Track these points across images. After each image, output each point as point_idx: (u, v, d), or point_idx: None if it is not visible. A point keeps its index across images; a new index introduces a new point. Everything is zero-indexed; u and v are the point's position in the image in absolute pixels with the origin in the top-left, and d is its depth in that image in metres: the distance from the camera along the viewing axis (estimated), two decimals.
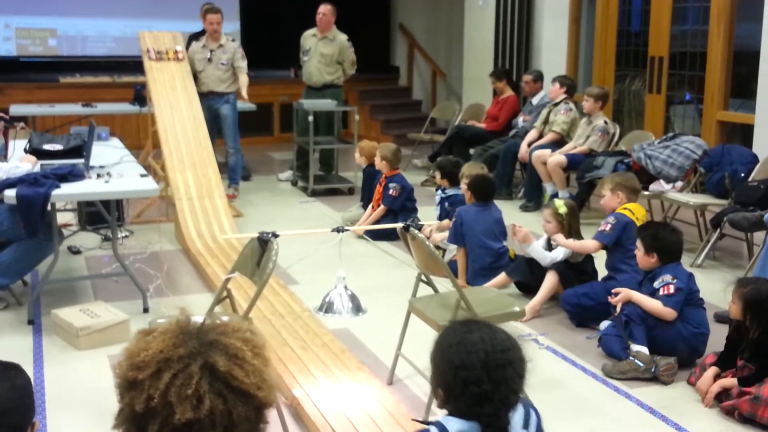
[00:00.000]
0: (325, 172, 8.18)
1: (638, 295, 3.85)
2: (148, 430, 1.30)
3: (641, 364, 3.70)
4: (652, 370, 3.68)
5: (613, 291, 3.96)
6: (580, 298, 4.36)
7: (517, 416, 1.79)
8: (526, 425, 1.80)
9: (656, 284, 3.84)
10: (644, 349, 3.74)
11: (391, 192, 6.16)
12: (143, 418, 1.30)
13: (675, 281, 3.81)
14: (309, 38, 7.98)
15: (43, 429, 3.19)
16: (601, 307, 4.22)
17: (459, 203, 5.59)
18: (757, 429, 3.25)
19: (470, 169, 5.42)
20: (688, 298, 3.83)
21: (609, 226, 4.39)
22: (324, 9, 7.86)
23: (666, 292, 3.80)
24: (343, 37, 7.96)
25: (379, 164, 6.30)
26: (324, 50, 7.90)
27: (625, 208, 4.51)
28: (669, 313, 3.77)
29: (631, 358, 3.74)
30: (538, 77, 7.89)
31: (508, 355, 1.75)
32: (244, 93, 7.37)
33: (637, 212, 4.50)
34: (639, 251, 3.95)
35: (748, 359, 3.42)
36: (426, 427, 1.77)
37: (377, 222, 6.06)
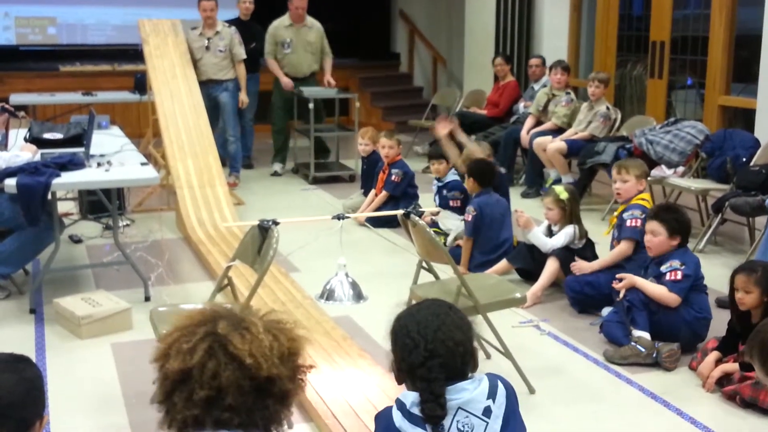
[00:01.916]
0: (323, 159, 8.14)
1: (642, 280, 3.85)
2: (155, 382, 1.43)
3: (643, 350, 3.70)
4: (654, 355, 3.68)
5: (617, 276, 3.96)
6: (584, 287, 4.34)
7: (480, 388, 1.83)
8: (491, 396, 1.83)
9: (663, 268, 3.83)
10: (646, 335, 3.74)
11: (393, 178, 6.16)
12: (157, 373, 1.43)
13: (683, 267, 3.79)
14: (284, 30, 7.78)
15: (48, 419, 3.20)
16: (603, 296, 4.21)
17: (457, 188, 5.60)
18: (758, 413, 3.25)
19: (473, 150, 5.43)
20: (693, 284, 3.83)
21: (638, 221, 4.27)
22: (303, 1, 7.71)
23: (673, 277, 3.79)
24: (318, 23, 7.91)
25: (388, 152, 6.25)
26: (309, 38, 7.82)
27: (642, 199, 4.45)
28: (673, 299, 3.77)
29: (632, 343, 3.74)
30: (545, 61, 7.86)
31: (440, 313, 1.87)
32: (243, 95, 7.42)
33: (650, 202, 4.49)
34: (659, 236, 3.86)
35: None
36: (389, 405, 1.87)
37: (379, 209, 6.05)
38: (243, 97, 7.43)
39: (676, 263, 3.81)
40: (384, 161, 6.29)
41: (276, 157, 8.10)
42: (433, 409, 1.76)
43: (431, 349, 1.80)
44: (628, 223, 4.33)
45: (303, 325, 1.52)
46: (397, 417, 1.80)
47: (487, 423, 1.80)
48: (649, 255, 3.98)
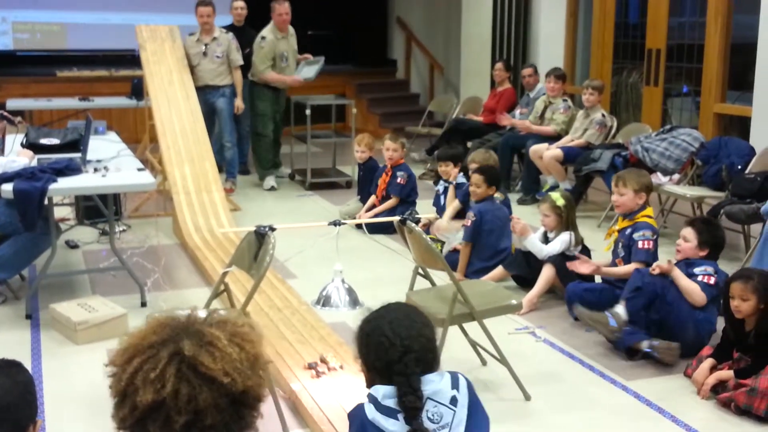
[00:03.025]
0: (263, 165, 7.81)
1: (679, 272, 3.86)
2: (120, 414, 1.33)
3: (614, 324, 3.77)
4: (647, 351, 3.73)
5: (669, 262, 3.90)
6: (587, 291, 4.34)
7: (444, 380, 1.93)
8: (455, 387, 1.93)
9: (697, 270, 3.89)
10: (624, 316, 3.79)
11: (399, 180, 6.19)
12: (120, 403, 1.34)
13: (716, 275, 3.87)
14: (279, 42, 7.51)
15: (42, 423, 3.19)
16: (602, 306, 4.21)
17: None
18: (753, 420, 3.25)
19: (479, 155, 5.47)
20: (715, 295, 3.87)
21: (651, 243, 4.23)
22: (287, 8, 7.45)
23: (706, 280, 3.85)
24: (292, 30, 7.71)
25: (392, 155, 6.27)
26: (294, 46, 7.72)
27: (647, 216, 4.34)
28: (702, 297, 3.81)
29: (607, 313, 3.78)
30: (536, 70, 7.93)
31: (409, 313, 1.99)
32: (239, 101, 7.39)
33: (653, 219, 4.42)
34: (689, 242, 3.96)
35: (744, 351, 3.43)
36: (360, 402, 1.93)
37: (385, 213, 6.07)
38: (239, 103, 7.43)
39: (710, 269, 3.89)
40: (387, 164, 6.32)
41: (267, 171, 7.78)
42: (413, 402, 1.85)
43: (407, 345, 1.91)
44: (640, 245, 4.22)
45: (248, 322, 1.47)
46: (370, 410, 1.88)
47: (455, 411, 1.90)
48: (676, 258, 4.02)
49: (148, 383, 1.30)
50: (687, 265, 3.95)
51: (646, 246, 4.21)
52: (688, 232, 4.00)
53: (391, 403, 1.87)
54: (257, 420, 1.40)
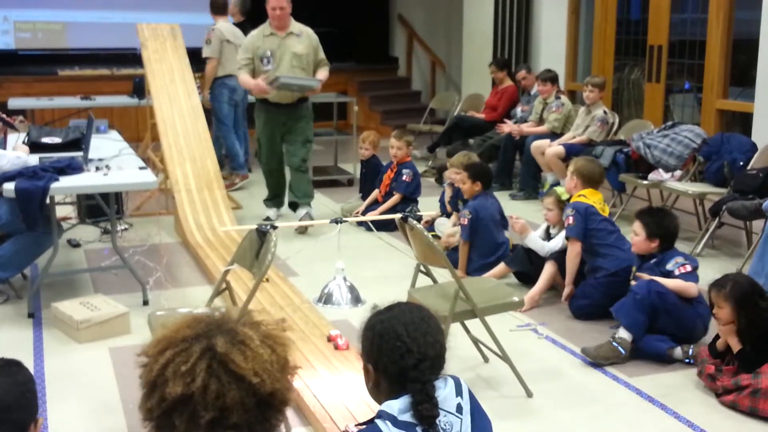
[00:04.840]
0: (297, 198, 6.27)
1: (658, 279, 3.83)
2: (148, 405, 1.36)
3: (623, 351, 3.74)
4: (688, 361, 3.72)
5: (637, 277, 3.94)
6: (579, 301, 4.37)
7: (449, 387, 1.86)
8: (459, 394, 1.87)
9: (669, 266, 3.87)
10: (628, 337, 3.76)
11: (404, 178, 6.20)
12: (149, 394, 1.36)
13: (689, 261, 3.89)
14: (265, 40, 5.95)
15: (44, 421, 3.20)
16: (599, 306, 4.25)
17: None
18: (758, 419, 3.24)
19: (462, 158, 5.46)
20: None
21: (571, 218, 4.39)
22: (281, 1, 5.88)
23: (684, 270, 3.85)
24: (309, 30, 6.11)
25: (397, 153, 6.28)
26: (297, 49, 5.94)
27: (579, 195, 4.51)
28: (693, 286, 3.82)
29: (614, 343, 3.76)
30: (530, 70, 7.99)
31: (424, 316, 1.90)
32: (204, 95, 7.10)
33: (591, 196, 4.49)
34: (638, 236, 3.95)
35: (738, 357, 3.40)
36: (371, 422, 1.82)
37: (389, 210, 6.07)
38: (204, 96, 7.26)
39: (681, 259, 3.89)
40: (393, 161, 6.33)
41: (270, 201, 6.43)
42: (430, 410, 1.77)
43: (423, 352, 1.83)
44: (565, 222, 4.46)
45: (286, 326, 1.48)
46: (387, 428, 1.77)
47: (461, 419, 1.83)
48: (633, 250, 4.07)
49: (179, 376, 1.32)
50: (657, 264, 3.91)
51: (566, 223, 4.42)
52: (636, 226, 3.97)
53: (407, 417, 1.78)
54: (281, 423, 1.40)
